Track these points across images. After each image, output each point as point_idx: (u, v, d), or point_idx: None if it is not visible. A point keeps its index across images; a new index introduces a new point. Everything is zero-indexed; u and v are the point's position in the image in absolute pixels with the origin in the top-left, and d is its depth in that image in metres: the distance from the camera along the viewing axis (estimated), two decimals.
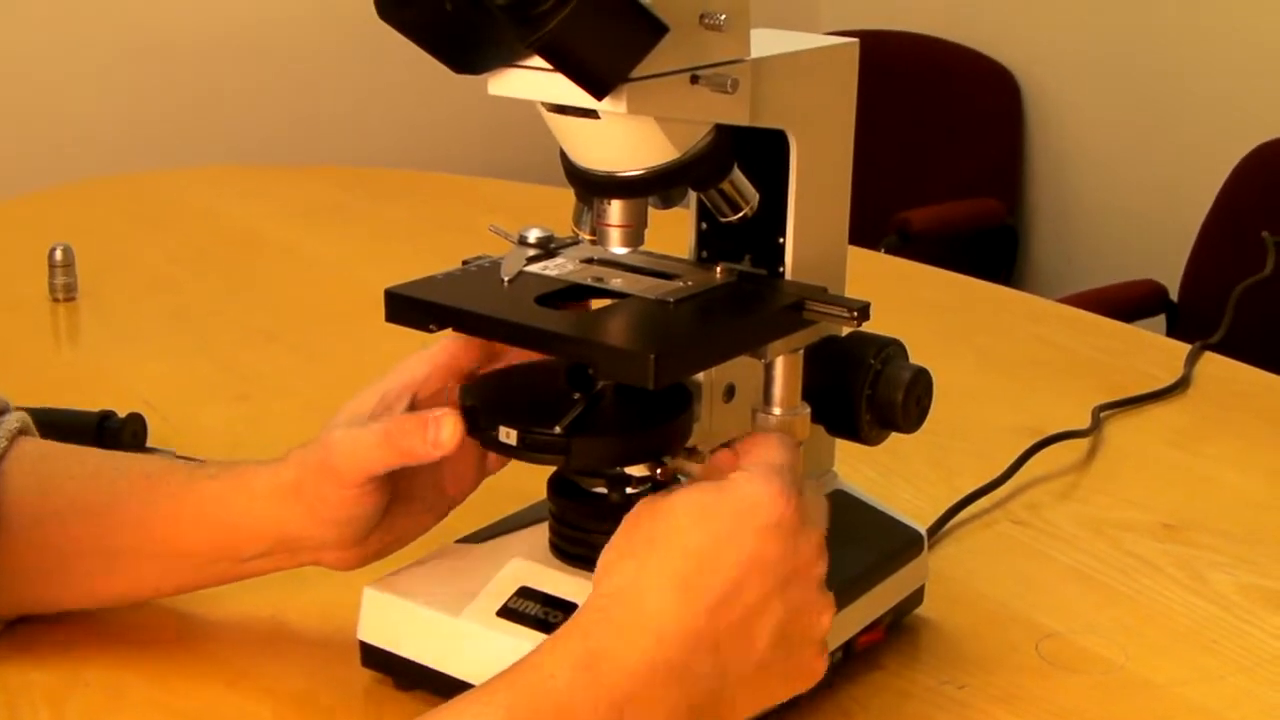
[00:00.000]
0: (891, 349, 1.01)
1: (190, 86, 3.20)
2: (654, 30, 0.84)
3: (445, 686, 0.96)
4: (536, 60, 0.86)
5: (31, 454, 1.09)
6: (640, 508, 0.89)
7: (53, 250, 1.81)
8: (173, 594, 1.08)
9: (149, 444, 1.36)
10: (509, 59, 0.89)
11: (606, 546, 0.89)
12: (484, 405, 0.95)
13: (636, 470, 0.98)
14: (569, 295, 0.99)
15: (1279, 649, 1.10)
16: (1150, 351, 1.72)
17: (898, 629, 1.09)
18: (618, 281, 1.00)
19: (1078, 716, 1.02)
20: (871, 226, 2.44)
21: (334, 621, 1.06)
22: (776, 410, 0.97)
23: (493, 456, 1.04)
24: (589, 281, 1.00)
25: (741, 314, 0.97)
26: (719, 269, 1.01)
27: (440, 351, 1.01)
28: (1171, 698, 1.04)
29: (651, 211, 0.97)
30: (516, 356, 1.02)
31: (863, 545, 1.07)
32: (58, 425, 1.36)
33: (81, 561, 1.05)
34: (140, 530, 1.04)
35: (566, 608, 0.95)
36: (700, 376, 1.00)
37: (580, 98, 0.86)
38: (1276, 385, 1.61)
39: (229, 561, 1.04)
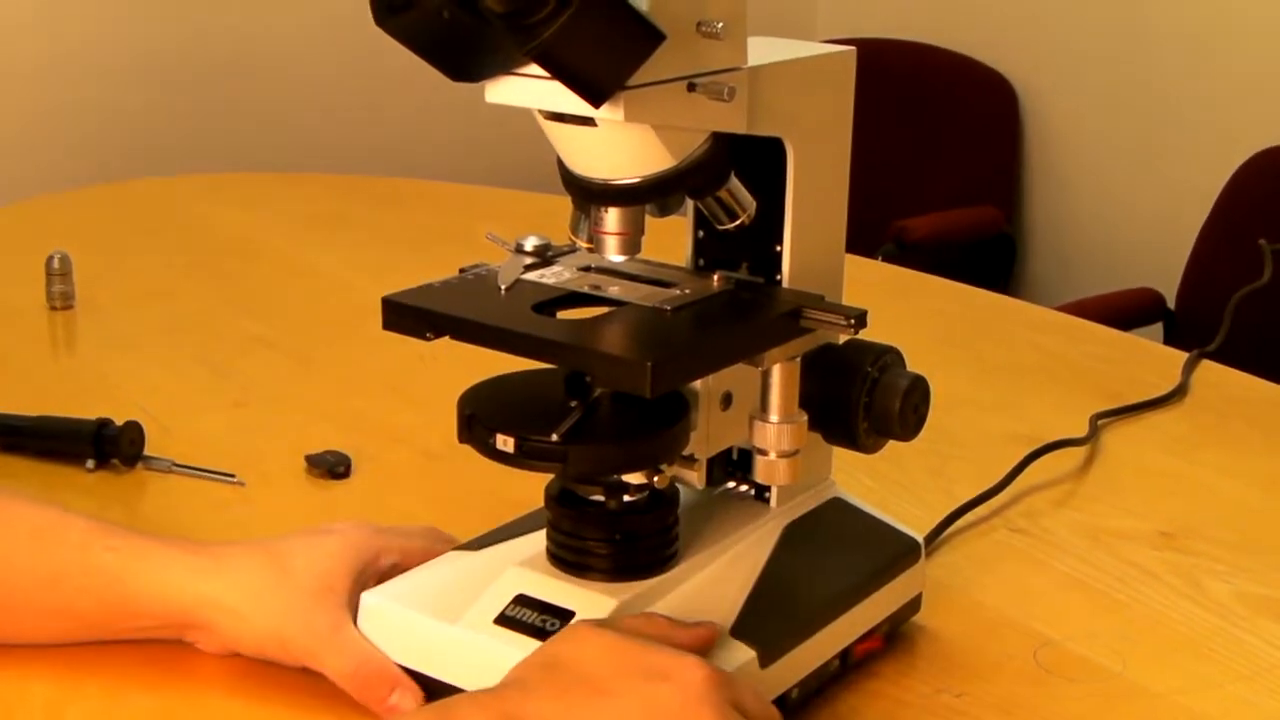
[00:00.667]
0: (889, 357, 1.01)
1: (188, 95, 3.20)
2: (650, 38, 0.84)
3: (442, 693, 0.96)
4: (534, 68, 0.86)
5: None
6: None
7: (50, 258, 1.81)
8: (63, 642, 1.06)
9: (146, 452, 1.36)
10: (506, 67, 0.89)
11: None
12: (481, 413, 0.95)
13: (634, 478, 0.98)
14: (566, 303, 0.99)
15: (1276, 657, 1.10)
16: (1148, 359, 1.72)
17: (895, 637, 1.09)
18: (615, 289, 1.00)
19: None
20: (869, 235, 2.44)
21: None
22: (773, 418, 0.97)
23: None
24: (586, 289, 1.00)
25: (738, 322, 0.97)
26: (716, 277, 1.01)
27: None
28: (1169, 706, 1.04)
29: (649, 219, 0.97)
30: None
31: (860, 553, 1.07)
32: (55, 433, 1.36)
33: None
34: (26, 586, 1.03)
35: (563, 615, 0.95)
36: (698, 384, 1.00)
37: (577, 105, 0.86)
38: (1274, 393, 1.61)
39: (116, 629, 1.04)
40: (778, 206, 1.01)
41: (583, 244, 0.98)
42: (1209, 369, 1.65)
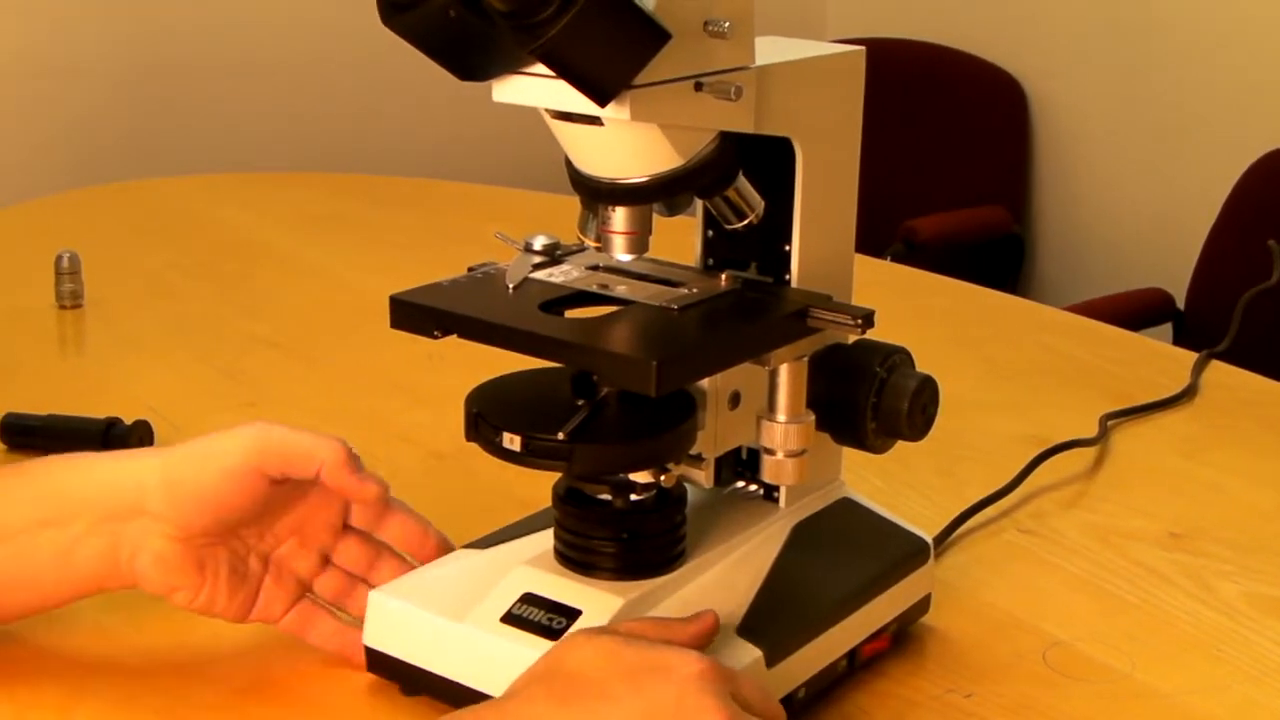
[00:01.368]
0: (897, 357, 1.01)
1: (197, 94, 3.21)
2: (656, 37, 0.83)
3: (449, 692, 0.96)
4: (540, 67, 0.86)
5: None
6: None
7: (59, 257, 1.82)
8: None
9: None
10: (513, 66, 0.89)
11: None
12: (488, 411, 0.95)
13: (641, 477, 0.97)
14: (574, 302, 0.99)
15: None
16: (1157, 360, 1.72)
17: (904, 637, 1.09)
18: (622, 288, 1.00)
19: None
20: (877, 235, 2.44)
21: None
22: (781, 418, 0.97)
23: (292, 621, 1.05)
24: (594, 288, 1.00)
25: (746, 321, 0.97)
26: (724, 276, 1.01)
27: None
28: (1178, 706, 1.04)
29: (657, 218, 0.96)
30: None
31: (869, 553, 1.07)
32: (64, 433, 1.37)
33: None
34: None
35: (570, 614, 0.95)
36: (705, 384, 0.99)
37: (584, 105, 0.85)
38: None
39: (44, 547, 0.99)
40: (786, 206, 1.01)
41: (591, 243, 0.98)
42: (1218, 369, 1.65)
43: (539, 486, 1.03)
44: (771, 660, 0.95)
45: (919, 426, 1.01)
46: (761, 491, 1.08)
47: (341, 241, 2.17)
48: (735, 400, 1.01)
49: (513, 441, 0.92)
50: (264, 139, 3.27)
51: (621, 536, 0.97)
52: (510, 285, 1.00)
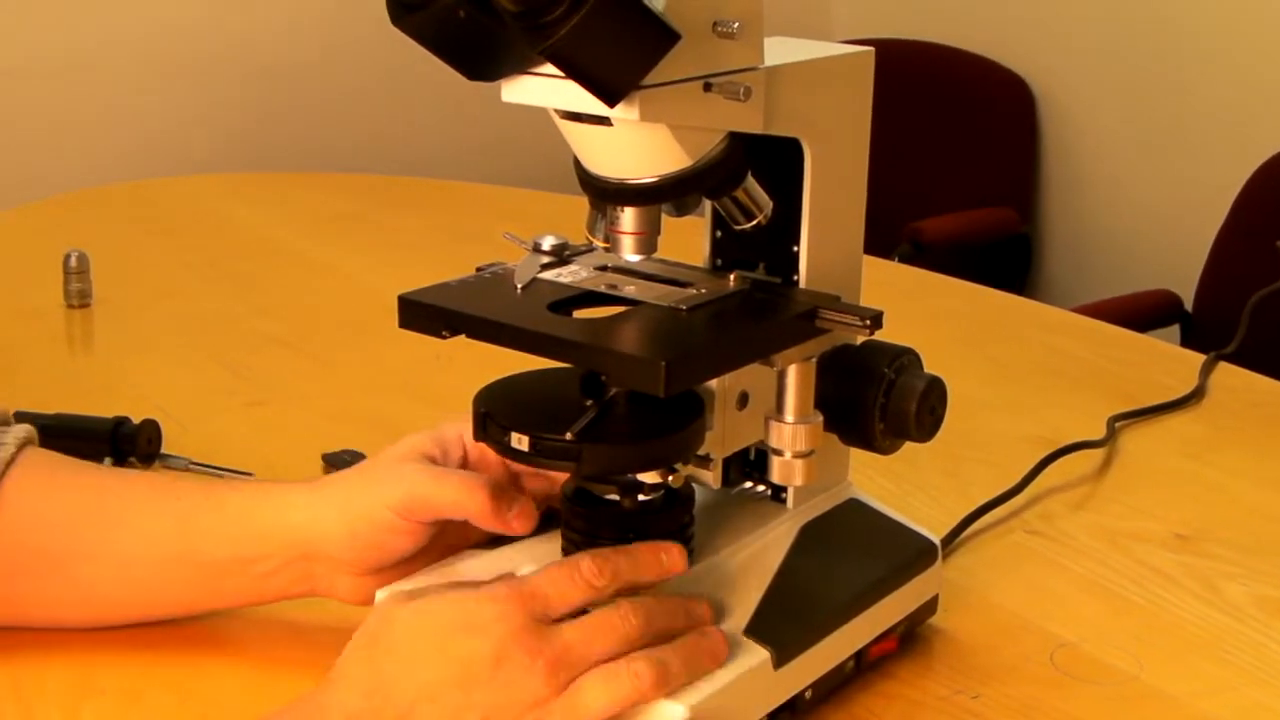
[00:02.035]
0: (906, 358, 1.01)
1: (205, 94, 3.21)
2: (665, 37, 0.83)
3: None
4: (549, 67, 0.86)
5: (39, 463, 1.08)
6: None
7: (68, 257, 1.82)
8: (177, 612, 1.08)
9: (163, 450, 1.37)
10: (522, 66, 0.89)
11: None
12: (496, 411, 0.95)
13: (649, 477, 0.97)
14: (582, 302, 0.99)
15: None
16: (1164, 361, 1.72)
17: (911, 639, 1.09)
18: (631, 289, 1.00)
19: None
20: (885, 235, 2.44)
21: (348, 627, 1.06)
22: (789, 419, 0.97)
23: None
24: (602, 289, 1.00)
25: (754, 322, 0.97)
26: (732, 277, 1.01)
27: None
28: (1185, 708, 1.04)
29: (666, 219, 0.96)
30: None
31: (876, 555, 1.07)
32: (72, 431, 1.36)
33: (85, 567, 1.05)
34: (150, 538, 1.04)
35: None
36: (713, 384, 0.99)
37: (593, 105, 0.85)
38: None
39: (240, 576, 1.04)
40: (795, 207, 1.01)
41: (599, 243, 0.98)
42: (1226, 371, 1.65)
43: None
44: (779, 661, 0.95)
45: (927, 427, 1.01)
46: (769, 492, 1.08)
47: (351, 241, 2.17)
48: (743, 401, 1.02)
49: (521, 441, 0.92)
50: (274, 139, 3.28)
51: (629, 536, 0.97)
52: (519, 285, 1.00)
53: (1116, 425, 1.48)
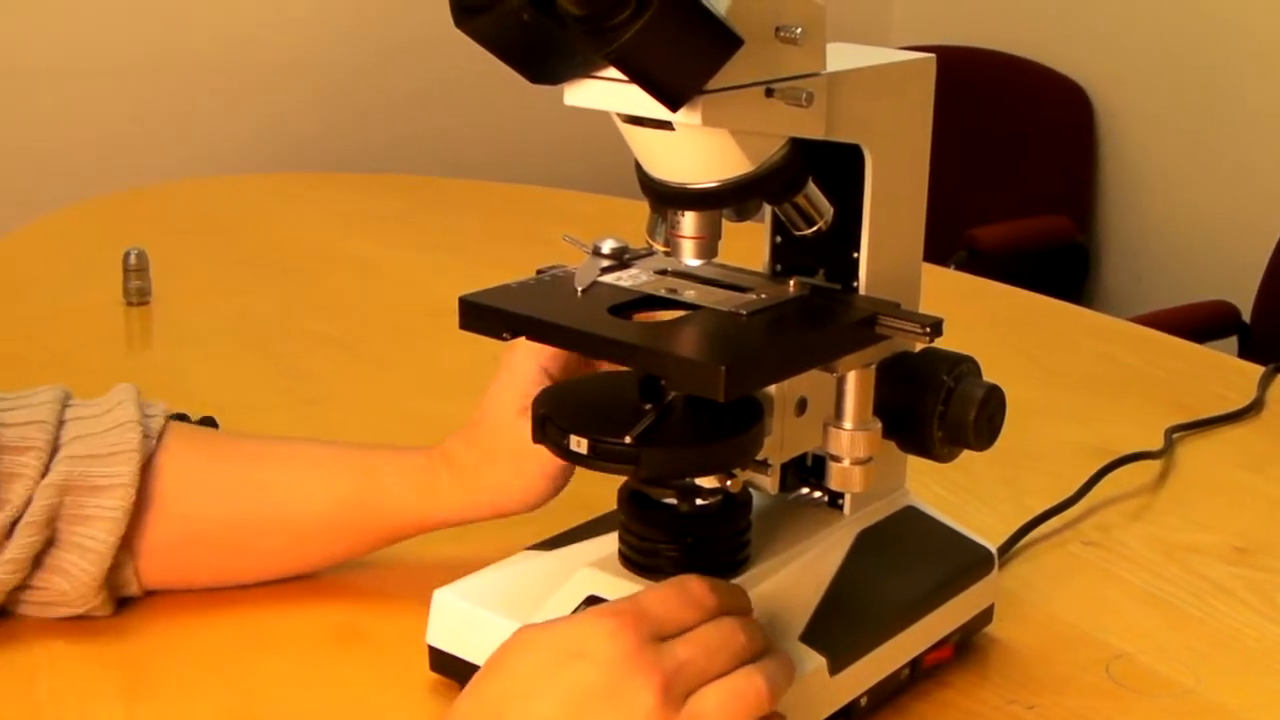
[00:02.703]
0: (965, 366, 1.01)
1: (263, 94, 3.23)
2: (729, 43, 0.83)
3: None
4: (612, 71, 0.86)
5: (189, 434, 1.15)
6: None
7: (127, 254, 1.83)
8: (352, 559, 1.16)
9: None
10: (585, 70, 0.89)
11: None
12: (556, 414, 0.95)
13: (706, 482, 0.97)
14: (642, 306, 0.99)
15: None
16: (1222, 373, 1.71)
17: (966, 648, 1.09)
18: (691, 293, 1.00)
19: None
20: (942, 242, 2.43)
21: (404, 625, 1.07)
22: (848, 425, 0.96)
23: None
24: (662, 293, 1.00)
25: (813, 328, 0.97)
26: (792, 282, 1.01)
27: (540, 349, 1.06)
28: None
29: (726, 224, 0.96)
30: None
31: (933, 562, 1.07)
32: None
33: (260, 539, 1.12)
34: (319, 515, 1.12)
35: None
36: (772, 389, 0.99)
37: (655, 109, 0.85)
38: None
39: (386, 541, 1.15)
40: (855, 213, 1.01)
41: (659, 247, 0.98)
42: None
43: (604, 489, 1.03)
44: (834, 668, 0.95)
45: (985, 436, 1.01)
46: (826, 498, 1.08)
47: (407, 242, 2.18)
48: (802, 406, 1.01)
49: (580, 444, 0.93)
50: (332, 139, 3.30)
51: (686, 541, 0.98)
52: (579, 288, 1.00)
53: (1174, 436, 1.47)
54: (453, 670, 1.01)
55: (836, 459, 0.97)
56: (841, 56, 0.97)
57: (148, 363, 1.75)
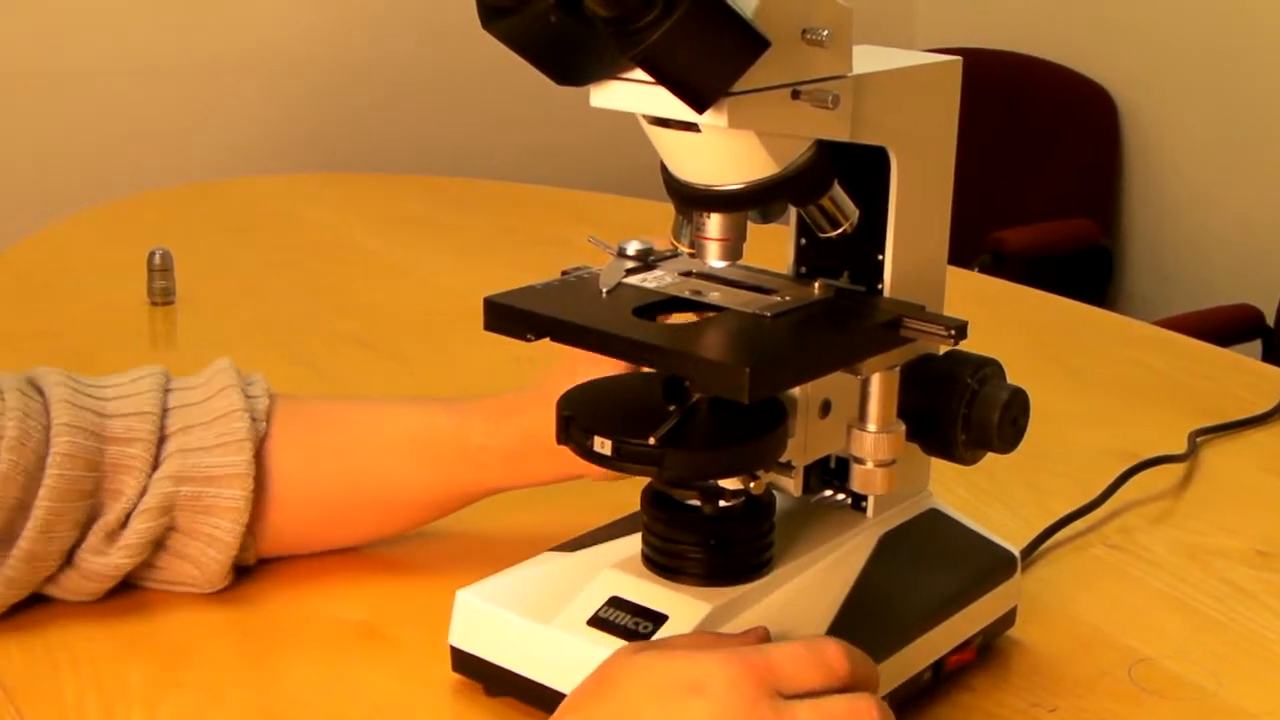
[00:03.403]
0: (989, 369, 1.00)
1: (286, 96, 3.24)
2: (756, 45, 0.83)
3: (533, 694, 0.97)
4: (638, 73, 0.86)
5: (295, 412, 1.18)
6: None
7: (152, 254, 1.84)
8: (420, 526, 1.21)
9: None
10: (611, 71, 0.89)
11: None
12: (580, 415, 0.95)
13: (730, 483, 0.98)
14: (667, 307, 0.99)
15: None
16: (1246, 377, 1.70)
17: (989, 650, 1.09)
18: (715, 295, 1.00)
19: None
20: (966, 245, 2.43)
21: (426, 626, 1.07)
22: (871, 427, 0.96)
23: None
24: (687, 294, 1.00)
25: (838, 330, 0.97)
26: (817, 284, 1.01)
27: None
28: None
29: (751, 226, 0.96)
30: None
31: (955, 565, 1.07)
32: None
33: (389, 512, 1.18)
34: (428, 489, 1.17)
35: (656, 618, 0.95)
36: (796, 391, 1.00)
37: (681, 111, 0.86)
38: None
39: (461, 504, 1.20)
40: (880, 215, 1.01)
41: (684, 249, 0.99)
42: None
43: (628, 490, 1.04)
44: None
45: (1009, 439, 1.01)
46: (849, 501, 1.08)
47: (431, 243, 2.18)
48: (826, 409, 1.02)
49: (604, 445, 0.93)
50: (355, 140, 3.30)
51: (709, 542, 0.98)
52: (604, 289, 1.00)
53: (1198, 440, 1.46)
54: (475, 671, 1.01)
55: (860, 461, 0.97)
56: (867, 59, 0.97)
57: (172, 362, 1.74)
